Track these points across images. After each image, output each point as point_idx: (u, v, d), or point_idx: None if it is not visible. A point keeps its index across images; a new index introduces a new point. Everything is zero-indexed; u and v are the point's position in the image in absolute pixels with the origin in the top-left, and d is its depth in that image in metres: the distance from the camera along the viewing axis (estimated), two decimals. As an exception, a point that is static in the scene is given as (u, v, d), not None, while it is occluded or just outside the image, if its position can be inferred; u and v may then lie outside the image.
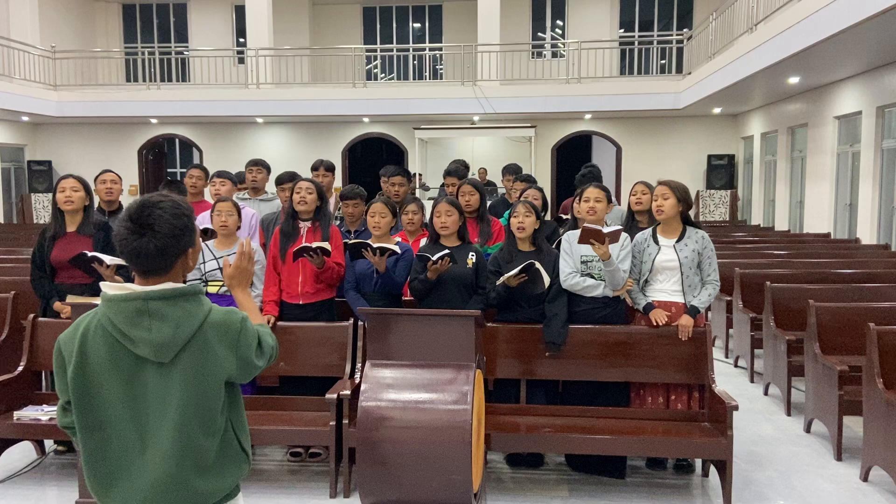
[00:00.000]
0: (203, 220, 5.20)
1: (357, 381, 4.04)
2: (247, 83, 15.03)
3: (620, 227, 4.15)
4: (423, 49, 17.35)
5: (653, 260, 4.22)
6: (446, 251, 4.08)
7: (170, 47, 17.37)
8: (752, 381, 6.19)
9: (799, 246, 9.04)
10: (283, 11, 16.25)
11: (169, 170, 18.52)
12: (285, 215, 4.52)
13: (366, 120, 16.17)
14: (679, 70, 15.02)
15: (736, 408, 3.73)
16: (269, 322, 4.33)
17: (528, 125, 15.24)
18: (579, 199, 4.48)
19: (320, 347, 4.36)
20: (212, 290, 4.40)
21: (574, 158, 17.47)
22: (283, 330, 4.36)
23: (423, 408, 3.11)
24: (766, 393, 5.83)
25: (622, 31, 17.15)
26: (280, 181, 5.35)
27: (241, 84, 15.33)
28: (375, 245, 4.12)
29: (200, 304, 1.91)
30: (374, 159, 18.23)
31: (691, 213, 4.45)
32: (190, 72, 17.02)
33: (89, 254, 4.16)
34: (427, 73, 17.80)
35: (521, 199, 5.34)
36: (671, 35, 15.93)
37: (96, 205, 4.87)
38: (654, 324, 4.13)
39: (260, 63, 14.80)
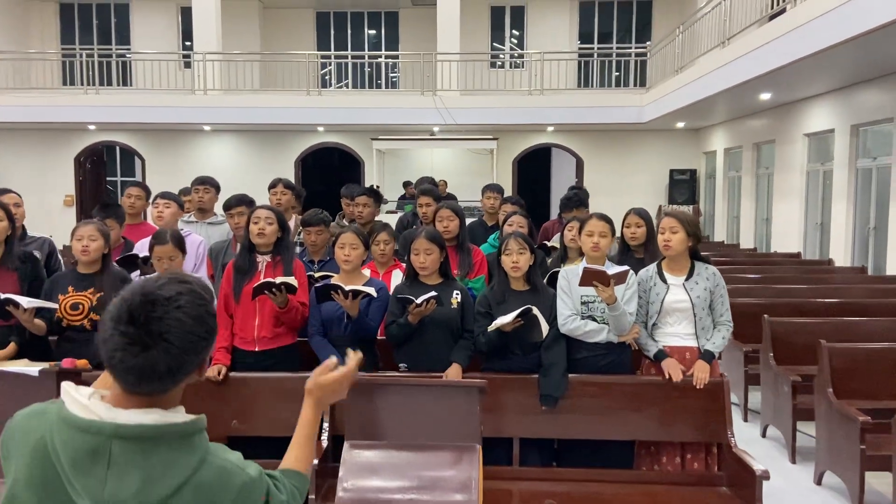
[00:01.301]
0: (144, 248, 4.54)
1: (325, 444, 3.44)
2: (193, 89, 14.20)
3: (627, 268, 3.65)
4: (382, 57, 16.78)
5: (661, 300, 3.74)
6: (432, 293, 3.52)
7: (110, 49, 16.39)
8: (745, 420, 5.77)
9: (771, 268, 8.74)
10: (233, 14, 15.45)
11: (109, 178, 17.47)
12: (240, 248, 3.88)
13: (320, 129, 15.49)
14: (640, 83, 14.78)
15: (766, 476, 3.25)
16: (219, 373, 3.70)
17: (491, 137, 14.77)
18: (579, 230, 3.96)
19: (280, 402, 3.72)
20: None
21: (533, 171, 17.13)
22: (235, 381, 3.73)
23: (419, 500, 2.54)
24: (763, 435, 5.41)
25: (579, 42, 16.84)
26: (228, 206, 4.65)
27: (188, 90, 14.48)
28: (347, 288, 3.52)
29: (192, 451, 1.30)
30: (327, 169, 17.53)
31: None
32: (132, 76, 16.06)
33: (2, 296, 3.48)
34: (383, 82, 17.23)
35: (507, 224, 4.85)
36: (633, 48, 15.71)
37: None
38: (668, 377, 3.64)
39: (207, 68, 13.99)
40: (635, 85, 14.95)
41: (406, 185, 14.60)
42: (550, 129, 15.30)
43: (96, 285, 3.74)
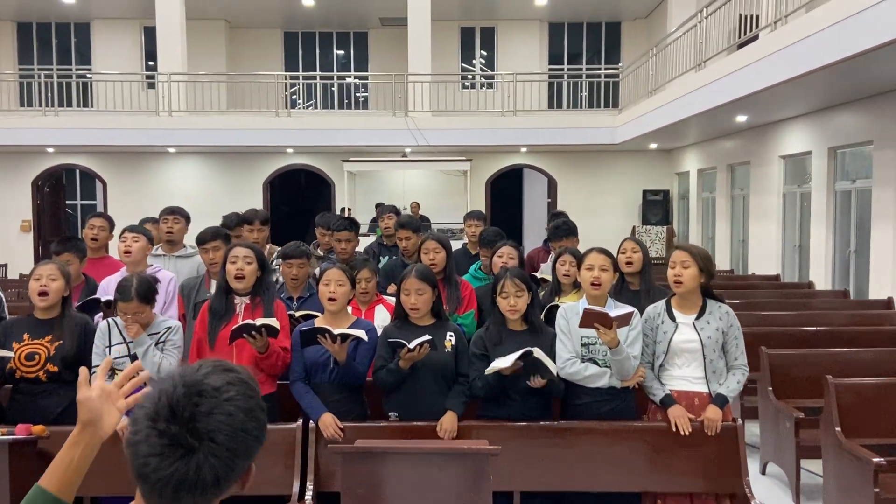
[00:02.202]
0: (109, 286, 4.21)
1: (310, 504, 3.14)
2: (157, 110, 13.78)
3: (632, 309, 3.43)
4: (352, 77, 16.54)
5: (669, 340, 3.51)
6: (426, 337, 3.26)
7: (70, 70, 15.88)
8: (742, 455, 5.56)
9: (752, 292, 8.62)
10: (198, 34, 15.07)
11: (68, 202, 16.89)
12: (216, 289, 3.57)
13: (290, 151, 15.14)
14: (613, 104, 14.74)
15: (790, 532, 3.03)
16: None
17: (464, 158, 14.59)
18: (578, 265, 3.74)
19: (259, 457, 3.41)
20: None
21: (504, 191, 16.96)
22: (210, 434, 3.41)
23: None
24: (763, 472, 5.21)
25: (549, 63, 16.80)
26: (202, 240, 4.31)
27: (151, 111, 14.05)
28: (336, 331, 3.23)
29: None
30: (295, 191, 17.17)
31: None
32: (93, 97, 15.55)
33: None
34: (352, 102, 16.98)
35: (496, 256, 4.60)
36: (603, 69, 15.70)
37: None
38: (674, 430, 3.40)
39: (172, 88, 13.59)
40: (606, 106, 14.92)
41: (378, 206, 14.32)
42: (524, 150, 15.17)
43: (55, 332, 3.40)
